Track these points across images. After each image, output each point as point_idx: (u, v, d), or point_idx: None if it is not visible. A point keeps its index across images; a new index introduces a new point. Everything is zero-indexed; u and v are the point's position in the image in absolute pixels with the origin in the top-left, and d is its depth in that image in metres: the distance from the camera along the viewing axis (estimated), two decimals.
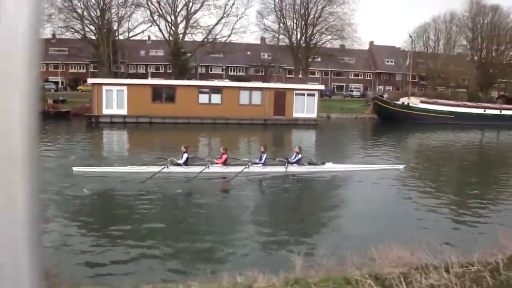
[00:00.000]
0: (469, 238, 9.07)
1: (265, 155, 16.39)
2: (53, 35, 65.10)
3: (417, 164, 21.72)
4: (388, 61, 79.76)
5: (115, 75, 55.09)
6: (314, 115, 39.84)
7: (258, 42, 73.60)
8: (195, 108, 38.03)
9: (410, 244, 5.17)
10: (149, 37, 70.04)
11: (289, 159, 16.54)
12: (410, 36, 51.94)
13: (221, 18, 57.48)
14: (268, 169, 16.17)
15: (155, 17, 56.98)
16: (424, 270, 4.69)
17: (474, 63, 67.85)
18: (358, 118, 49.30)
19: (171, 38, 57.39)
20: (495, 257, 4.94)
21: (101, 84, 38.36)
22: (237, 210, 12.11)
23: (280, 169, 16.20)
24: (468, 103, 50.99)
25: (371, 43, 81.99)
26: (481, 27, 67.74)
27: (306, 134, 36.70)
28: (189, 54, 58.99)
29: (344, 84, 78.44)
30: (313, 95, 39.83)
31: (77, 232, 9.78)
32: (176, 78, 47.35)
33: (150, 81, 42.76)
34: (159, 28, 57.51)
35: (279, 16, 59.85)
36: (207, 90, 38.79)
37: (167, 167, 15.05)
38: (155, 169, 14.97)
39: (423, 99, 48.71)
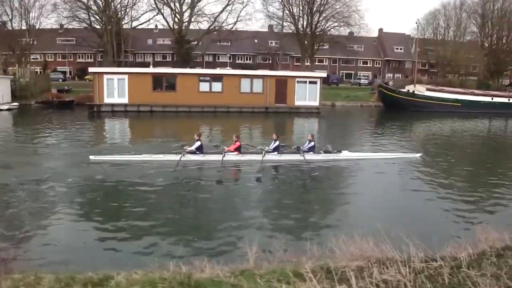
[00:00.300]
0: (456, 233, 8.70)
1: (277, 142, 16.29)
2: (61, 25, 65.20)
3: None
4: (397, 49, 78.55)
5: (120, 64, 55.18)
6: (316, 103, 39.41)
7: (266, 30, 72.94)
8: (196, 96, 37.93)
9: (381, 236, 5.04)
10: (156, 26, 70.05)
11: (301, 147, 16.50)
12: (417, 23, 50.87)
13: (226, 5, 57.05)
14: (284, 157, 16.18)
15: (160, 5, 56.56)
16: (382, 264, 4.53)
17: (484, 50, 66.40)
18: (364, 106, 48.76)
19: (176, 27, 57.05)
20: (461, 254, 4.74)
21: (102, 73, 38.42)
22: (249, 199, 11.99)
23: (297, 157, 16.15)
24: (476, 91, 49.96)
25: (380, 30, 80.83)
26: (492, 13, 66.09)
27: (308, 122, 36.31)
28: (194, 43, 58.68)
29: (352, 72, 77.54)
30: (315, 82, 39.35)
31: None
32: (180, 67, 47.07)
33: (150, 69, 42.64)
34: (163, 16, 57.33)
35: (284, 2, 59.06)
36: (207, 78, 38.60)
37: (183, 155, 15.04)
38: (172, 157, 15.13)
39: (429, 86, 47.90)
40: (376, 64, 79.01)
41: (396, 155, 18.07)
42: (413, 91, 45.85)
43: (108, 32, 55.00)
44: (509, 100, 49.42)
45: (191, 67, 47.48)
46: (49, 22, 59.32)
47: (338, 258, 4.81)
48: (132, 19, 60.34)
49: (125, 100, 37.77)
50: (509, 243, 5.13)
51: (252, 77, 38.74)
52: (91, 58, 71.83)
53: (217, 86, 38.34)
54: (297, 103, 39.01)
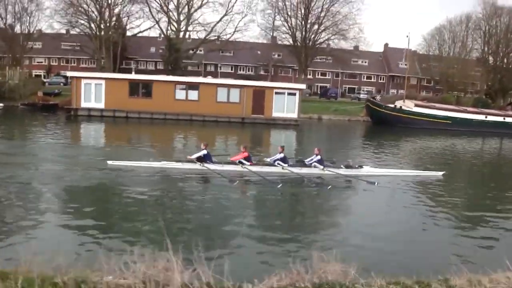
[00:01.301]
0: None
1: (282, 155, 16.28)
2: (67, 31, 66.26)
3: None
4: (402, 64, 77.05)
5: (119, 72, 55.44)
6: (294, 115, 38.61)
7: (269, 41, 72.66)
8: (172, 104, 37.68)
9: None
10: (160, 34, 70.48)
11: (304, 161, 16.63)
12: (407, 36, 49.55)
13: (224, 15, 56.91)
14: (305, 170, 16.13)
15: (155, 14, 56.84)
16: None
17: (486, 67, 64.58)
18: (351, 120, 47.64)
19: (172, 35, 57.24)
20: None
21: (80, 78, 38.62)
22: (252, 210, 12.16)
23: (314, 170, 16.21)
24: (469, 109, 48.31)
25: (386, 45, 79.61)
26: (496, 29, 64.40)
27: (284, 135, 35.53)
28: (191, 52, 58.75)
29: (356, 87, 76.44)
30: (294, 94, 38.58)
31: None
32: (169, 75, 47.07)
33: (127, 75, 42.65)
34: (158, 25, 57.52)
35: (282, 14, 58.68)
36: (184, 86, 38.29)
37: (202, 164, 15.48)
38: (188, 165, 15.60)
39: (417, 102, 46.53)
40: (380, 80, 77.73)
41: (418, 173, 17.97)
42: (400, 107, 44.60)
43: (101, 40, 55.49)
44: (504, 119, 47.61)
45: (180, 75, 47.35)
46: (55, 27, 58.95)
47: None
48: (128, 27, 60.58)
49: (101, 105, 37.80)
50: None
51: (229, 86, 38.30)
52: (94, 64, 72.70)
53: (193, 95, 38.03)
54: (275, 114, 38.31)
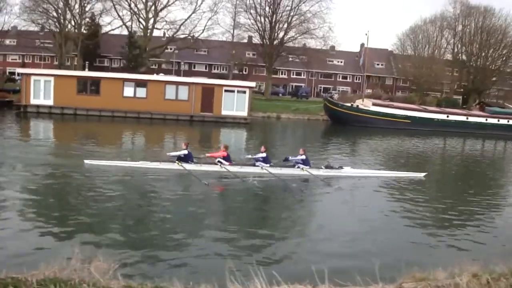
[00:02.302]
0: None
1: (264, 154, 16.30)
2: (42, 27, 65.92)
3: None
4: (378, 64, 76.80)
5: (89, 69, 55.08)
6: (244, 113, 38.34)
7: (243, 40, 72.29)
8: (120, 101, 37.41)
9: None
10: (135, 32, 70.09)
11: (289, 158, 16.69)
12: (366, 34, 49.20)
13: (192, 13, 56.63)
14: (284, 171, 16.18)
15: (120, 11, 56.49)
16: None
17: (458, 67, 64.39)
18: (311, 119, 47.29)
19: (139, 33, 57.01)
20: None
21: (29, 74, 38.35)
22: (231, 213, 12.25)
23: (296, 171, 16.32)
24: (430, 108, 48.04)
25: (362, 45, 79.12)
26: (470, 30, 64.17)
27: (232, 133, 35.30)
28: (158, 50, 58.47)
29: (331, 86, 76.04)
30: (244, 92, 38.32)
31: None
32: (130, 72, 46.83)
33: (75, 72, 42.49)
34: (123, 22, 57.16)
35: (249, 12, 58.37)
36: (132, 83, 38.02)
37: (179, 164, 15.40)
38: (168, 165, 15.58)
39: (375, 101, 46.27)
40: (356, 79, 77.25)
41: (400, 174, 18.03)
42: (357, 106, 44.30)
43: (68, 37, 55.25)
44: (467, 118, 47.30)
45: (142, 73, 47.11)
46: (23, 24, 58.57)
47: None
48: (89, 24, 60.29)
49: (50, 102, 37.56)
50: None
51: (177, 84, 38.05)
52: (68, 61, 72.36)
53: (141, 92, 37.76)
54: (224, 112, 38.05)
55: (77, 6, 57.47)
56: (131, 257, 7.98)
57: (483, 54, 65.00)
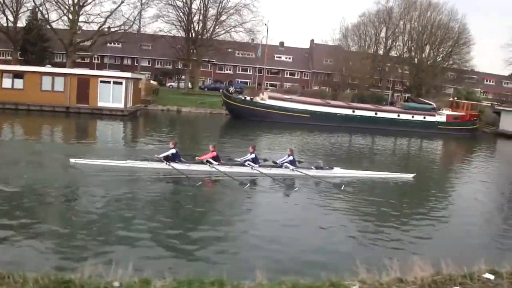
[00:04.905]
0: None
1: (253, 155, 16.38)
2: None
3: None
4: (326, 61, 75.67)
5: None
6: (121, 105, 37.89)
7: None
8: None
9: None
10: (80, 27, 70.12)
11: (277, 161, 16.71)
12: (265, 24, 48.11)
13: (118, 7, 56.21)
14: (274, 171, 16.26)
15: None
16: None
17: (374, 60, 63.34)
18: (213, 113, 46.64)
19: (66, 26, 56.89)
20: None
21: None
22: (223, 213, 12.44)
23: (286, 171, 16.41)
24: (332, 102, 46.92)
25: (312, 41, 78.26)
26: (410, 26, 62.96)
27: (108, 125, 34.77)
28: (86, 43, 58.33)
29: (278, 83, 75.17)
30: (120, 83, 37.86)
31: None
32: (31, 65, 46.82)
33: None
34: (45, 16, 57.07)
35: (175, 6, 57.92)
36: (10, 74, 37.86)
37: (168, 164, 15.49)
38: (157, 165, 15.64)
39: (271, 94, 45.40)
40: (304, 76, 76.40)
41: (390, 175, 18.26)
42: (251, 99, 43.48)
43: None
44: (376, 114, 46.15)
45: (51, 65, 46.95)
46: None
47: None
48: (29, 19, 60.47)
49: None
50: None
51: (53, 75, 37.70)
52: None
53: (18, 83, 37.53)
54: (100, 104, 37.63)
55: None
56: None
57: (424, 50, 63.75)
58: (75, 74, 37.98)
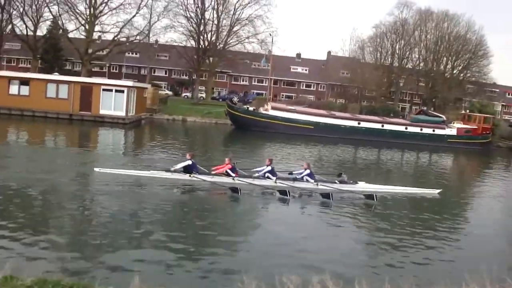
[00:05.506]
0: None
1: (269, 168, 16.22)
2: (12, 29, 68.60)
3: None
4: (343, 73, 74.84)
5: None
6: (122, 113, 38.30)
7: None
8: (5, 98, 38.20)
9: None
10: (99, 36, 71.76)
11: (293, 173, 16.67)
12: (270, 34, 47.81)
13: (133, 17, 57.36)
14: (297, 184, 16.05)
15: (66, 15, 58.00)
16: None
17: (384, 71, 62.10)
18: (218, 123, 46.62)
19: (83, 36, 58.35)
20: None
21: None
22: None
23: (309, 185, 16.16)
24: (337, 114, 46.16)
25: (329, 53, 77.63)
26: (425, 37, 61.73)
27: (112, 134, 34.94)
28: (101, 52, 59.63)
29: (294, 95, 74.73)
30: (122, 91, 38.33)
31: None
32: (47, 73, 48.05)
33: None
34: (62, 26, 58.65)
35: (188, 17, 58.56)
36: (17, 81, 38.91)
37: (191, 176, 15.57)
38: (177, 176, 15.65)
39: (275, 105, 45.02)
40: (320, 88, 75.72)
41: (416, 190, 17.88)
42: (254, 109, 43.28)
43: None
44: (382, 126, 45.17)
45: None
46: None
47: None
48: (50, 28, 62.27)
49: None
50: None
51: (58, 82, 38.55)
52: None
53: (24, 90, 38.55)
54: (102, 112, 38.19)
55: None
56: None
57: (441, 62, 62.32)
58: (78, 82, 38.75)
